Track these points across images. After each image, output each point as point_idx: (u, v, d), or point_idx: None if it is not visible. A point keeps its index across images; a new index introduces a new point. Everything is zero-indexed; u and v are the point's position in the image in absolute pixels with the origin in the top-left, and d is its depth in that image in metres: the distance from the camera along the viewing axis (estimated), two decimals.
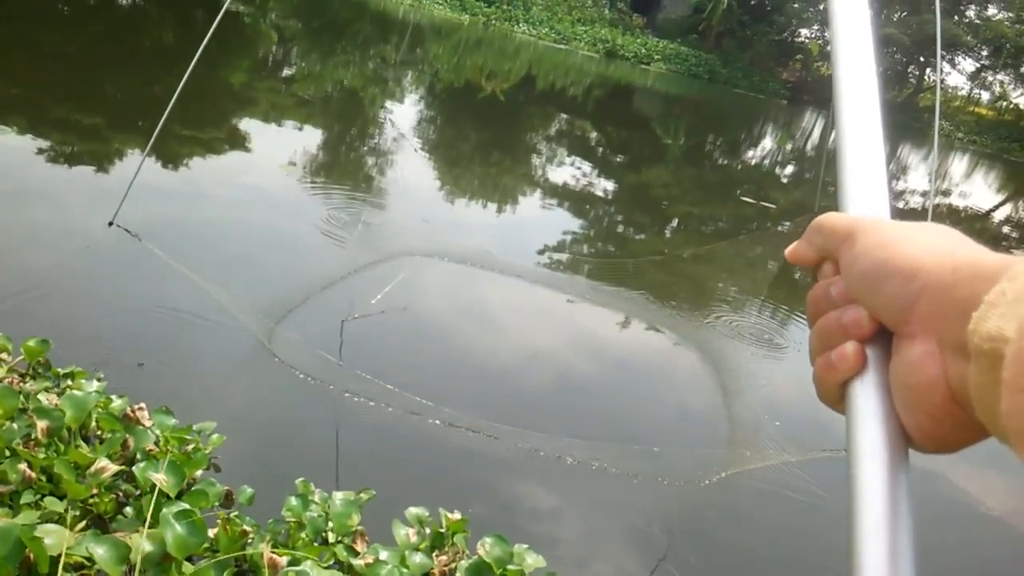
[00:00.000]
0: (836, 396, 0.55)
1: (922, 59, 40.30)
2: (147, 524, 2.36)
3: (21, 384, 2.91)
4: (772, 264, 8.39)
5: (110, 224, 3.79)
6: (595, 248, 7.89)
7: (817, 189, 8.63)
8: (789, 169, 15.49)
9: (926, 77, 41.94)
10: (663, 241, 8.63)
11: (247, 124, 8.93)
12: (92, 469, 2.47)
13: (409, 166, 8.98)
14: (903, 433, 0.50)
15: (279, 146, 8.28)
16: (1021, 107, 42.12)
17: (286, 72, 13.52)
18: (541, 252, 6.90)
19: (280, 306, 4.48)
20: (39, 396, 2.76)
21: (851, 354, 0.53)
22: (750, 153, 16.08)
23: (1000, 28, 38.23)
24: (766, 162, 15.66)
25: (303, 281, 4.93)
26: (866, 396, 0.52)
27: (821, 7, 39.83)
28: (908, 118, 35.19)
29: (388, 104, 12.55)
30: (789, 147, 16.76)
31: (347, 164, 8.80)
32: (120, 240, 4.63)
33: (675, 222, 9.55)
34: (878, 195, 0.60)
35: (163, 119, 3.62)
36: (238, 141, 8.19)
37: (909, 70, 41.61)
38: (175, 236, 5.20)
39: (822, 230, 0.58)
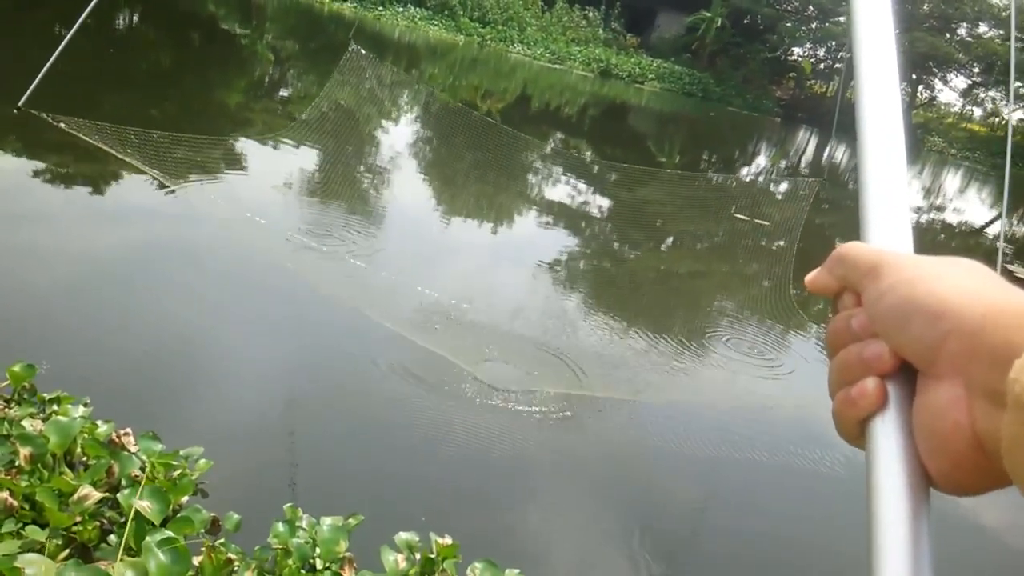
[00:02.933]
0: (855, 432, 0.53)
1: (913, 76, 40.56)
2: (130, 553, 2.32)
3: (5, 410, 2.87)
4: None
5: (17, 109, 3.77)
6: (592, 263, 7.88)
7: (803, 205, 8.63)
8: (783, 187, 15.56)
9: (918, 94, 42.21)
10: (658, 257, 8.63)
11: (242, 144, 8.94)
12: (75, 497, 2.43)
13: (401, 186, 8.99)
14: (925, 473, 0.49)
15: (275, 166, 8.28)
16: (1013, 123, 42.38)
17: (283, 93, 13.56)
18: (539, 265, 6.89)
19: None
20: (23, 422, 2.72)
21: (872, 391, 0.51)
22: (744, 170, 16.13)
23: (991, 45, 38.50)
24: (760, 179, 15.71)
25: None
26: (887, 434, 0.50)
27: (814, 26, 40.18)
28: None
29: (384, 123, 12.58)
30: (783, 164, 16.82)
31: (341, 185, 8.80)
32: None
33: (670, 239, 9.56)
34: (901, 226, 0.58)
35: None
36: (233, 161, 8.19)
37: (903, 89, 41.88)
38: (166, 260, 5.18)
39: (844, 261, 0.57)
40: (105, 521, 2.58)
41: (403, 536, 2.74)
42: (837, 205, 13.86)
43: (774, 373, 5.56)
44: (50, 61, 4.15)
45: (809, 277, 0.60)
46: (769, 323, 6.86)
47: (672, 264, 8.57)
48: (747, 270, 8.81)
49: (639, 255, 8.67)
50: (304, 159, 9.02)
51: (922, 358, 0.48)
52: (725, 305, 7.41)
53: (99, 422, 2.91)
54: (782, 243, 9.84)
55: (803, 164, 17.70)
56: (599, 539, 3.49)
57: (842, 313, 0.56)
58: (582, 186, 11.32)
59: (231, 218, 6.37)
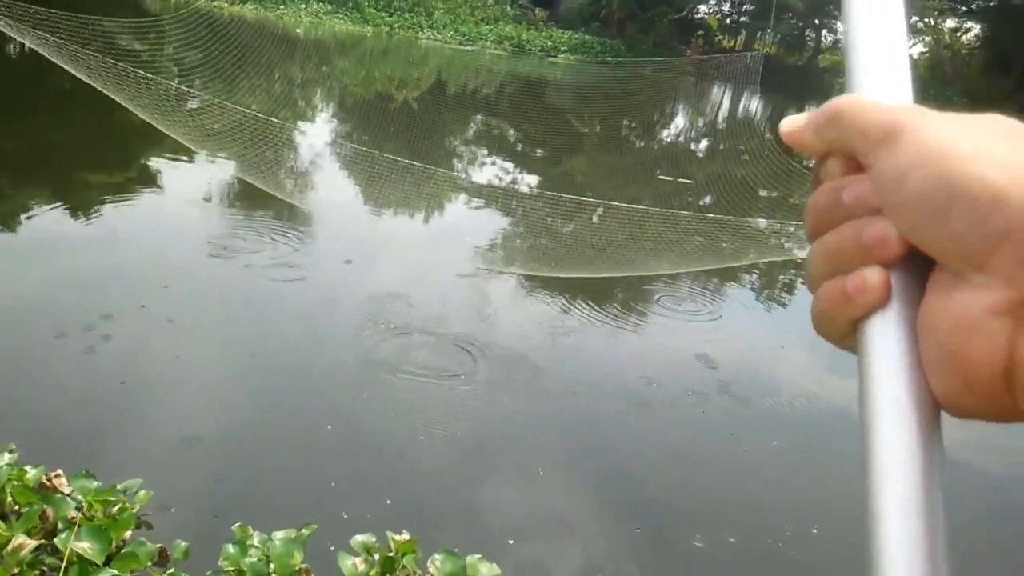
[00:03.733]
0: (843, 332, 0.43)
1: (817, 22, 41.51)
2: None
3: None
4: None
5: None
6: (527, 242, 7.88)
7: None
8: (703, 144, 15.79)
9: (823, 39, 43.26)
10: (590, 228, 8.68)
11: (156, 163, 8.65)
12: (10, 547, 2.32)
13: (326, 186, 8.83)
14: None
15: (190, 181, 8.04)
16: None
17: (191, 105, 13.17)
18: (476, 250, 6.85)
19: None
20: None
21: (875, 284, 0.40)
22: (664, 133, 16.33)
23: None
24: (680, 139, 15.92)
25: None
26: (890, 338, 0.40)
27: None
28: (812, 79, 36.25)
29: (300, 125, 12.32)
30: (701, 122, 17.08)
31: (262, 193, 8.59)
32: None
33: (600, 210, 9.62)
34: (899, 73, 0.44)
35: None
36: (148, 179, 7.93)
37: (806, 34, 42.86)
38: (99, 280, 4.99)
39: (842, 122, 0.43)
40: (45, 569, 2.48)
41: (359, 538, 2.70)
42: (756, 155, 14.13)
43: (710, 322, 5.64)
44: None
45: (787, 127, 0.46)
46: (703, 278, 6.97)
47: (606, 234, 8.63)
48: (677, 229, 8.93)
49: (572, 229, 8.71)
50: (222, 171, 8.78)
51: (957, 257, 0.38)
52: (660, 264, 7.49)
53: (27, 467, 2.78)
54: (707, 199, 10.00)
55: (720, 119, 18.02)
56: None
57: (829, 183, 0.44)
58: (508, 166, 11.29)
59: (149, 236, 6.17)
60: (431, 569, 2.55)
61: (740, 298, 6.53)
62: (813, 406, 4.61)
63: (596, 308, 5.66)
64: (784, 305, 6.69)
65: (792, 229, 8.71)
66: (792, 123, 0.46)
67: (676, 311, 5.84)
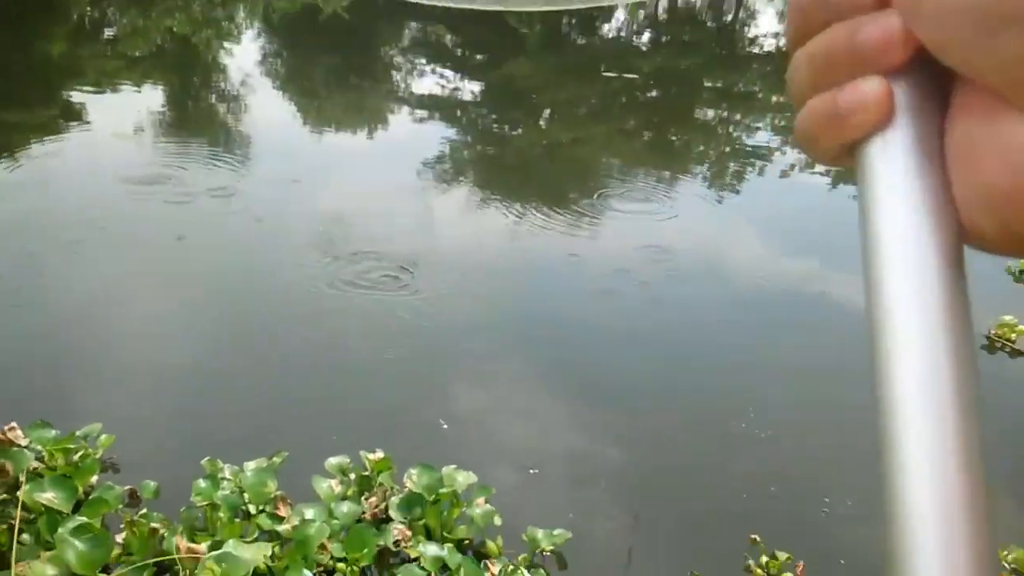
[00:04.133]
0: (836, 152, 0.35)
1: None
2: (48, 547, 2.18)
3: None
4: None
5: None
6: (476, 152, 7.71)
7: None
8: (645, 36, 15.48)
9: None
10: (539, 132, 8.51)
11: (79, 96, 8.18)
12: None
13: (261, 107, 8.48)
14: (956, 220, 0.32)
15: (117, 113, 7.64)
16: None
17: (108, 33, 12.42)
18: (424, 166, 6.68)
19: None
20: None
21: (875, 99, 0.32)
22: (605, 27, 15.93)
23: None
24: (622, 34, 15.57)
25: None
26: (897, 164, 0.32)
27: None
28: None
29: (226, 45, 11.74)
30: (641, 15, 16.74)
31: (195, 119, 8.22)
32: None
33: (547, 111, 9.42)
34: None
35: None
36: (73, 114, 7.51)
37: None
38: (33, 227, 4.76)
39: None
40: (12, 522, 2.41)
41: (333, 461, 2.69)
42: (700, 47, 13.90)
43: (663, 219, 5.62)
44: None
45: None
46: (655, 173, 6.91)
47: (553, 136, 8.48)
48: (625, 126, 8.81)
49: (520, 133, 8.54)
50: (150, 99, 8.36)
51: (1006, 82, 0.30)
52: (611, 163, 7.40)
53: None
54: (653, 93, 9.86)
55: (660, 9, 17.65)
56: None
57: None
58: (449, 73, 10.95)
59: (79, 178, 5.87)
60: (408, 483, 2.56)
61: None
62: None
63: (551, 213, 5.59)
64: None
65: None
66: None
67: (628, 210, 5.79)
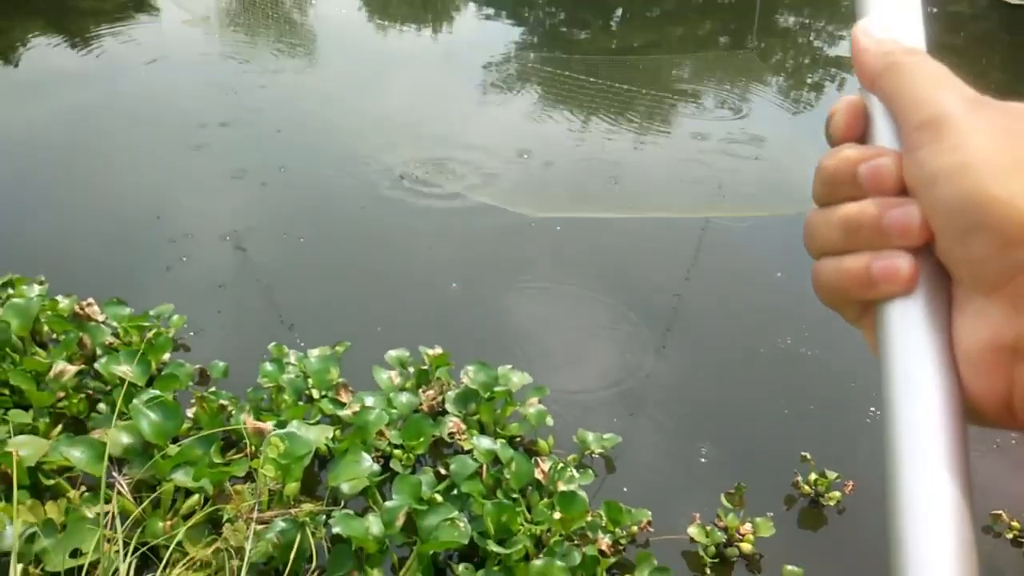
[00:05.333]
0: (856, 311, 0.43)
1: None
2: (123, 418, 2.31)
3: None
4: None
5: None
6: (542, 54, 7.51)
7: None
8: None
9: None
10: (610, 35, 8.23)
11: None
12: (52, 374, 2.39)
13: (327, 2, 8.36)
14: (958, 377, 0.38)
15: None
16: None
17: None
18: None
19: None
20: None
21: (905, 273, 0.39)
22: None
23: None
24: None
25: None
26: (916, 328, 0.39)
27: None
28: None
29: None
30: None
31: (262, 9, 8.16)
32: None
33: (619, 12, 9.08)
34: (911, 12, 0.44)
35: None
36: (143, 3, 7.52)
37: None
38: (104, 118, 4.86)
39: (899, 83, 0.41)
40: (91, 392, 2.55)
41: (393, 353, 2.75)
42: None
43: (739, 121, 5.43)
44: None
45: (863, 35, 0.44)
46: (731, 79, 6.65)
47: (624, 40, 8.19)
48: (700, 30, 8.44)
49: (589, 35, 8.26)
50: None
51: (969, 276, 0.38)
52: (683, 73, 7.14)
53: (59, 297, 2.81)
54: None
55: None
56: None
57: (846, 151, 0.42)
58: None
59: (150, 64, 5.92)
60: (464, 379, 2.61)
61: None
62: None
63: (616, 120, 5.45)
64: None
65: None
66: (866, 34, 0.44)
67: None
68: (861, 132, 0.44)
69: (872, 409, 2.89)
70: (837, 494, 2.54)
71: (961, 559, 0.35)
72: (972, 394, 0.38)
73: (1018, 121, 0.38)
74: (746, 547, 2.35)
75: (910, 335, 0.39)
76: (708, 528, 2.36)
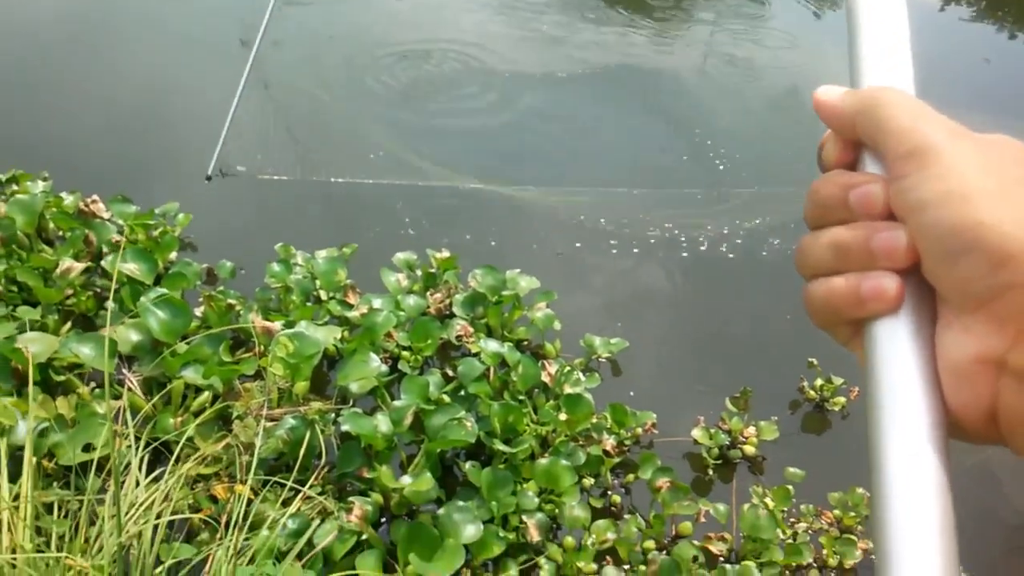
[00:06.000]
0: (847, 332, 0.45)
1: None
2: (131, 316, 2.31)
3: None
4: None
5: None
6: None
7: None
8: None
9: None
10: None
11: None
12: (59, 271, 2.38)
13: None
14: (941, 392, 0.40)
15: None
16: None
17: None
18: None
19: None
20: None
21: (892, 293, 0.41)
22: None
23: None
24: None
25: None
26: (900, 346, 0.41)
27: None
28: None
29: None
30: None
31: None
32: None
33: None
34: (901, 61, 0.47)
35: None
36: None
37: None
38: None
39: (878, 117, 0.43)
40: (99, 290, 2.56)
41: (400, 256, 2.72)
42: None
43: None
44: None
45: (823, 97, 0.47)
46: None
47: None
48: None
49: None
50: None
51: (957, 296, 0.40)
52: None
53: (63, 194, 2.78)
54: None
55: None
56: None
57: (837, 177, 0.45)
58: None
59: None
60: (472, 283, 2.59)
61: None
62: None
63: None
64: None
65: None
66: (828, 94, 0.47)
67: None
68: (852, 159, 0.46)
69: None
70: (842, 399, 2.55)
71: (943, 570, 0.36)
72: (956, 408, 0.40)
73: (997, 150, 0.40)
74: (749, 449, 2.38)
75: (896, 351, 0.41)
76: (712, 431, 2.39)
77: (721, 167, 3.80)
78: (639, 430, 2.34)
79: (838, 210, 0.44)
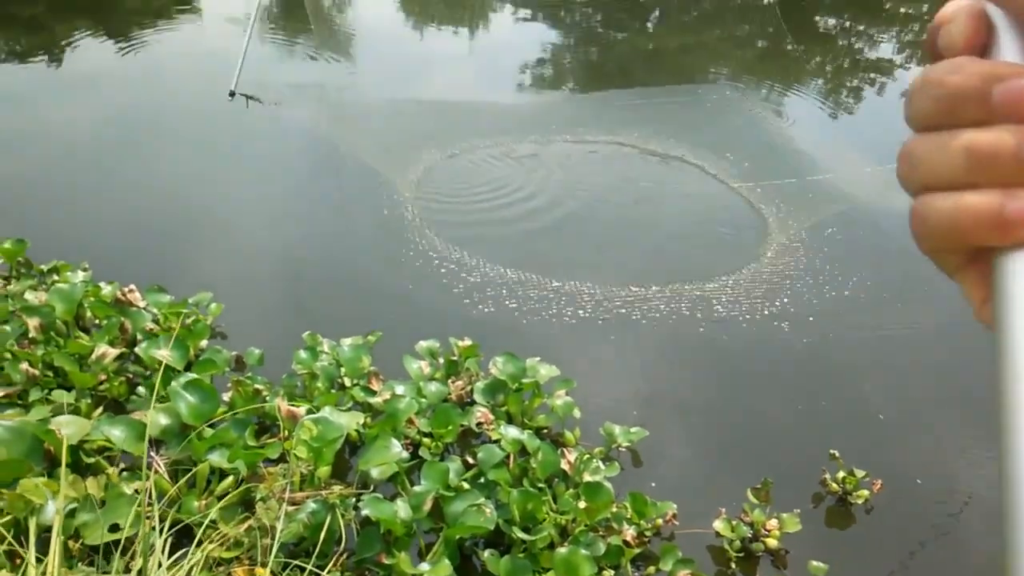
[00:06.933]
0: (959, 260, 0.37)
1: None
2: (161, 400, 2.37)
3: (6, 287, 2.86)
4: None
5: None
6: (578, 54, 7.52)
7: None
8: None
9: None
10: (646, 36, 8.22)
11: None
12: (94, 357, 2.46)
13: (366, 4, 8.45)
14: None
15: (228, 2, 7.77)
16: None
17: None
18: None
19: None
20: (26, 295, 2.71)
21: None
22: None
23: None
24: None
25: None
26: None
27: None
28: None
29: None
30: None
31: (301, 11, 8.29)
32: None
33: (656, 13, 9.05)
34: None
35: None
36: (185, 1, 7.69)
37: None
38: None
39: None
40: (131, 376, 2.63)
41: (423, 344, 2.79)
42: None
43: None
44: None
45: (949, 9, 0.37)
46: (768, 81, 6.61)
47: (661, 42, 8.17)
48: (739, 33, 8.40)
49: (626, 36, 8.26)
50: None
51: None
52: (721, 71, 7.11)
53: (101, 284, 2.90)
54: None
55: None
56: None
57: (971, 65, 0.35)
58: None
59: (197, 61, 6.05)
60: (492, 370, 2.64)
61: None
62: None
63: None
64: None
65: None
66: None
67: None
68: (983, 44, 0.36)
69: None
70: (865, 492, 2.52)
71: None
72: None
73: None
74: (772, 542, 2.34)
75: None
76: (734, 523, 2.36)
77: None
78: (659, 521, 2.33)
79: (971, 108, 0.34)
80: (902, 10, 8.79)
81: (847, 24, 8.56)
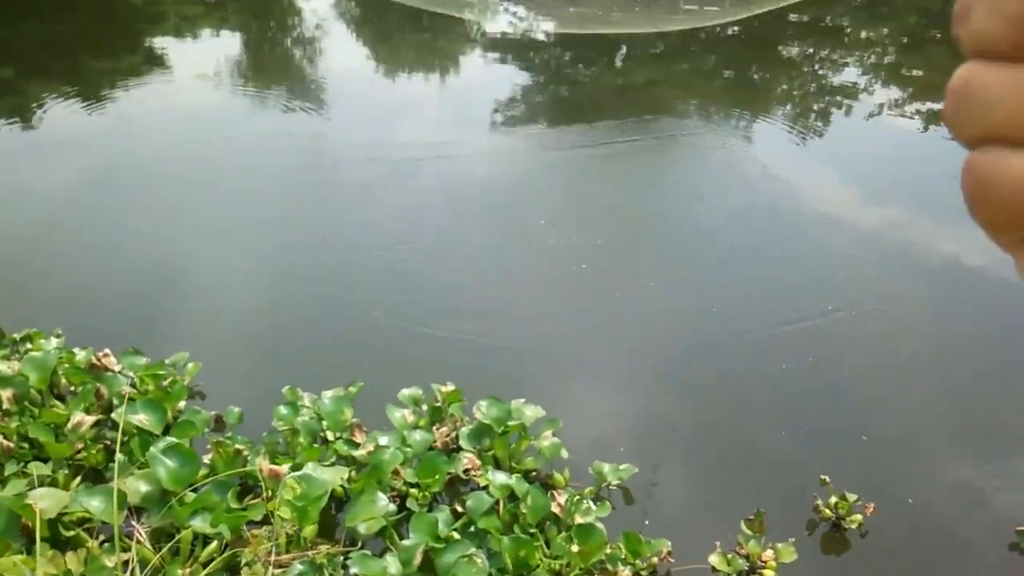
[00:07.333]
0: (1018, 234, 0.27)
1: None
2: (141, 467, 2.33)
3: None
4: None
5: None
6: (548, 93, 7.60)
7: None
8: None
9: None
10: (614, 72, 8.33)
11: (161, 42, 8.38)
12: (70, 425, 2.41)
13: (335, 53, 8.53)
14: None
15: (200, 56, 7.81)
16: None
17: None
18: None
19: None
20: None
21: None
22: None
23: None
24: None
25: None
26: None
27: None
28: None
29: None
30: None
31: (271, 63, 8.34)
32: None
33: (623, 49, 9.20)
34: None
35: None
36: (155, 60, 7.71)
37: None
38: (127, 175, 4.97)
39: None
40: (109, 442, 2.58)
41: (406, 392, 2.76)
42: None
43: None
44: None
45: None
46: (736, 111, 6.71)
47: (629, 77, 8.30)
48: (705, 65, 8.54)
49: (593, 73, 8.38)
50: (229, 45, 8.51)
51: None
52: (688, 107, 7.21)
53: (76, 350, 2.85)
54: (736, 28, 9.50)
55: None
56: None
57: None
58: (522, 11, 10.77)
59: (165, 120, 6.06)
60: (477, 415, 2.61)
61: None
62: None
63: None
64: None
65: None
66: None
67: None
68: None
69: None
70: (859, 516, 2.50)
71: None
72: None
73: None
74: (769, 574, 2.32)
75: None
76: (729, 556, 2.33)
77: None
78: (655, 559, 2.30)
79: None
80: None
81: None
